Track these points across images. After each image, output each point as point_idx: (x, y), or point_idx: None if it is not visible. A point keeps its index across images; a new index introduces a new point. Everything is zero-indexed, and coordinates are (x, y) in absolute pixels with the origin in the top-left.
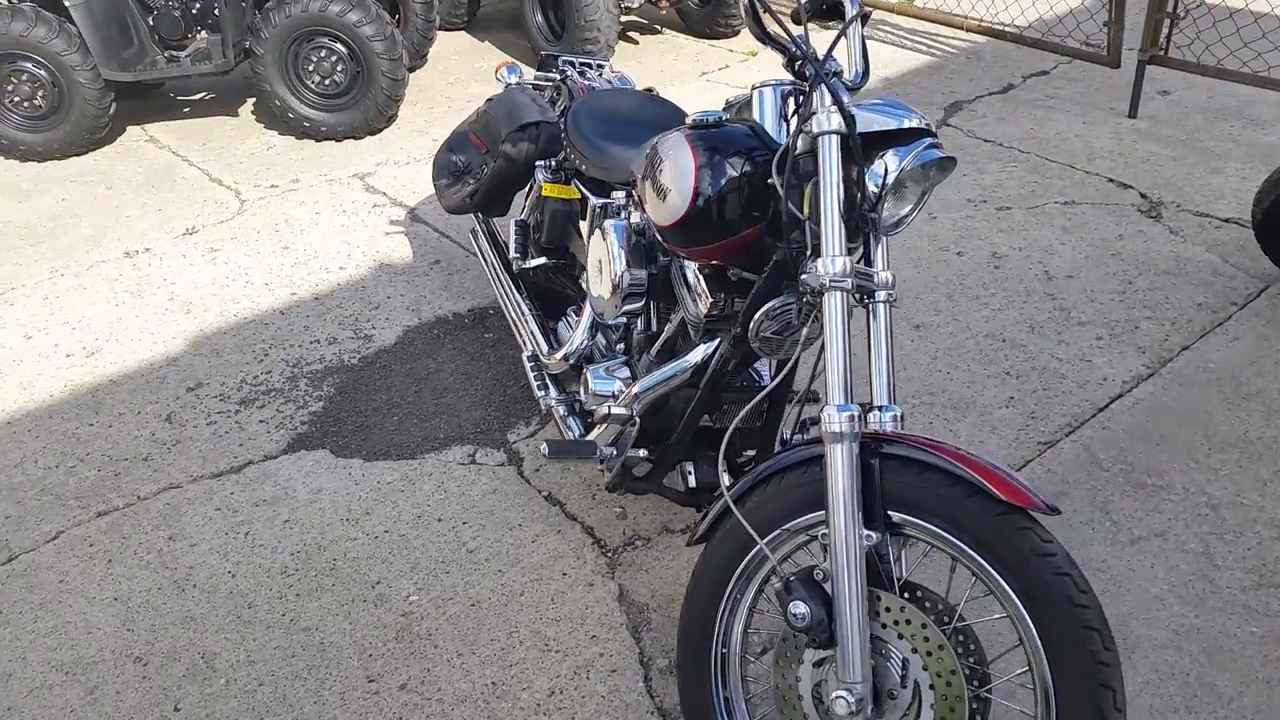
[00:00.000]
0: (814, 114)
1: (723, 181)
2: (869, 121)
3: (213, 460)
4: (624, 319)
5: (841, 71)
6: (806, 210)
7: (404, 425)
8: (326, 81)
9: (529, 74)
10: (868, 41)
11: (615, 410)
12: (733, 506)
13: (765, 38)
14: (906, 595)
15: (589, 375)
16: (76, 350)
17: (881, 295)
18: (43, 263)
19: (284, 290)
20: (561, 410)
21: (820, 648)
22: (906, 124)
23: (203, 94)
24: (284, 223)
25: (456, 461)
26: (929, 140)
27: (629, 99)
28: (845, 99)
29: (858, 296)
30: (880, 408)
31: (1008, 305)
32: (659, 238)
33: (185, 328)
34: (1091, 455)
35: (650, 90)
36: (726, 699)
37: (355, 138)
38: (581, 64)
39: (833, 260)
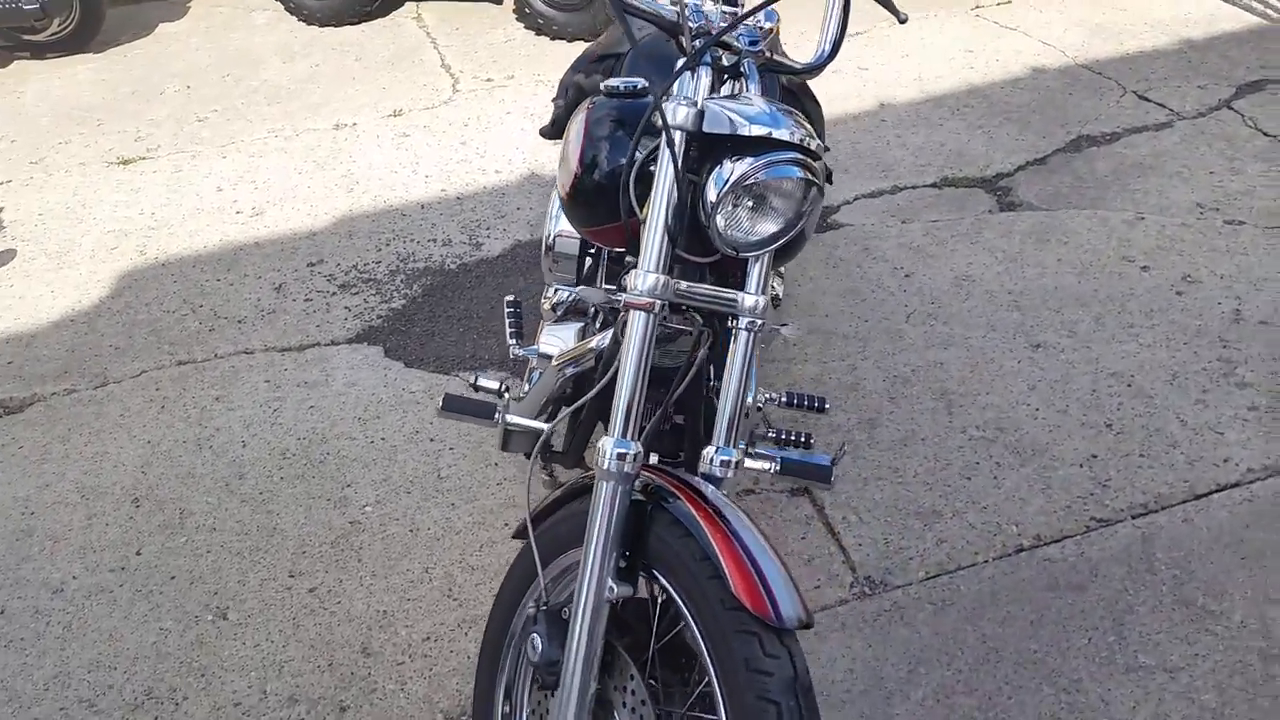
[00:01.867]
0: (667, 100)
1: (606, 160)
2: (722, 121)
3: (287, 335)
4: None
5: (760, 47)
6: (644, 213)
7: (462, 339)
8: None
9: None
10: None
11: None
12: (529, 526)
13: (626, 7)
14: (657, 660)
15: (542, 329)
16: (246, 209)
17: (743, 323)
18: (268, 122)
19: (438, 184)
20: (533, 364)
21: (544, 688)
22: (774, 134)
23: None
24: (475, 118)
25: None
26: (790, 155)
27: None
28: (740, 88)
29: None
30: (716, 449)
31: (1162, 343)
32: None
33: (339, 205)
34: (1147, 551)
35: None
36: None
37: (583, 39)
38: None
39: (641, 275)
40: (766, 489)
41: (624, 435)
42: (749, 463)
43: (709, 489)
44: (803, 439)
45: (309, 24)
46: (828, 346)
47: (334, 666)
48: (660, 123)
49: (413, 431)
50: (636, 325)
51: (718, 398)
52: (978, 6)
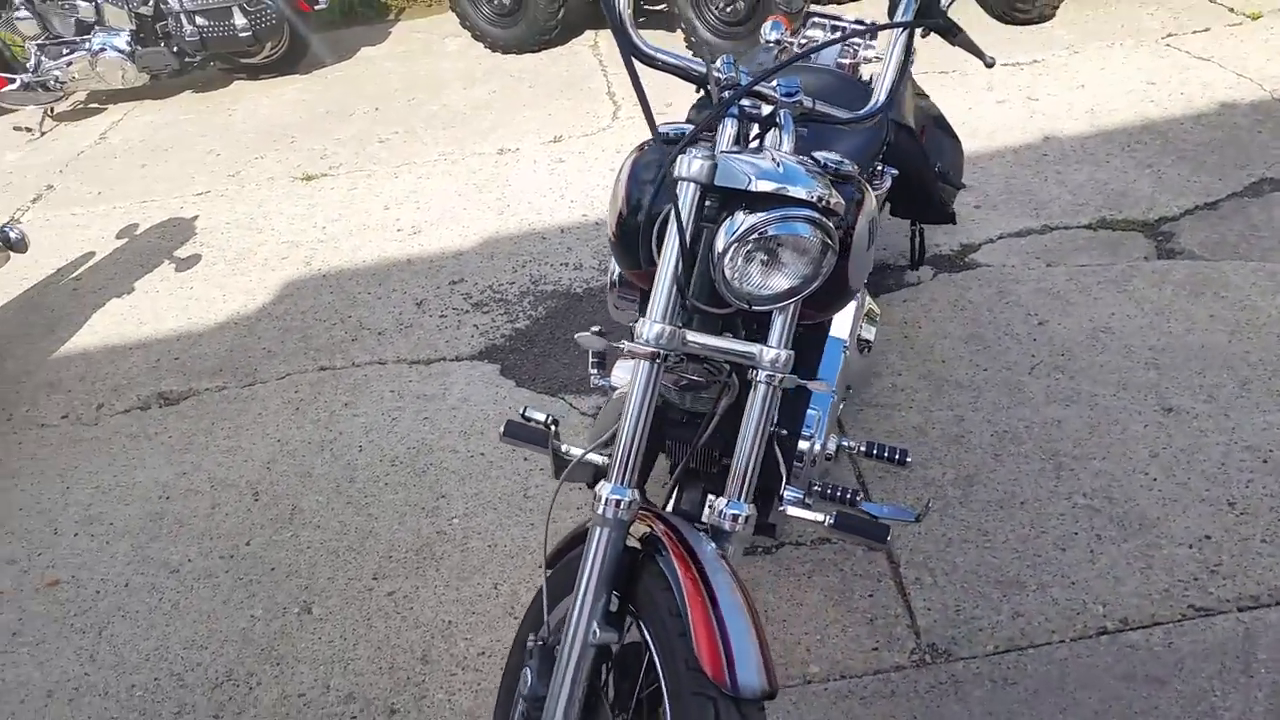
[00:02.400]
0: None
1: (643, 205)
2: (734, 176)
3: (418, 349)
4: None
5: (799, 98)
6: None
7: (575, 363)
8: (728, 9)
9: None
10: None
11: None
12: (545, 563)
13: (636, 53)
14: (643, 709)
15: (618, 361)
16: (406, 228)
17: (761, 375)
18: (440, 145)
19: (580, 210)
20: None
21: None
22: (785, 191)
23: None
24: (628, 146)
25: (582, 410)
26: (802, 212)
27: (807, 76)
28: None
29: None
30: (727, 501)
31: None
32: None
33: (489, 226)
34: (1247, 649)
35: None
36: None
37: None
38: (838, 23)
39: (647, 324)
40: (842, 540)
41: (621, 481)
42: (796, 512)
43: (703, 544)
44: (849, 495)
45: (493, 50)
46: (938, 395)
47: (393, 669)
48: (675, 174)
49: (510, 450)
50: (640, 374)
51: (779, 447)
52: (1170, 35)
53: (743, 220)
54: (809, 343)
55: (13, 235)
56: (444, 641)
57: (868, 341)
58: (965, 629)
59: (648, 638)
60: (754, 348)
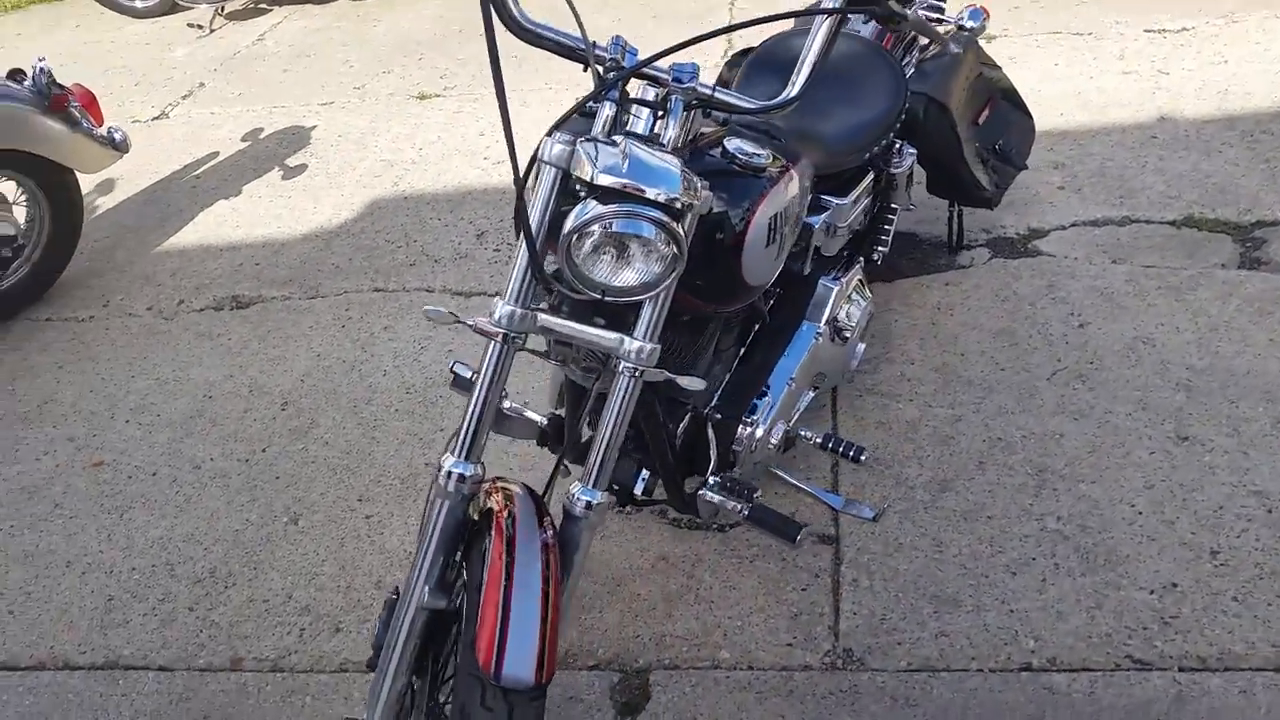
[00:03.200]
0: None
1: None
2: (581, 164)
3: (465, 280)
4: None
5: (694, 84)
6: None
7: None
8: None
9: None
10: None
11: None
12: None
13: (526, 35)
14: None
15: None
16: (493, 157)
17: (622, 367)
18: (550, 74)
19: None
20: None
21: (369, 667)
22: (626, 186)
23: None
24: None
25: None
26: (650, 211)
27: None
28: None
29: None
30: (580, 485)
31: None
32: None
33: None
34: (1174, 711)
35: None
36: None
37: None
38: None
39: (498, 305)
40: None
41: (460, 455)
42: (714, 497)
43: (532, 527)
44: (747, 492)
45: None
46: (944, 390)
47: (349, 590)
48: (538, 156)
49: (515, 391)
50: (489, 353)
51: (714, 431)
52: None
53: (589, 210)
54: (780, 324)
55: (117, 136)
56: (400, 571)
57: (847, 328)
58: (885, 639)
59: (464, 609)
60: (615, 337)
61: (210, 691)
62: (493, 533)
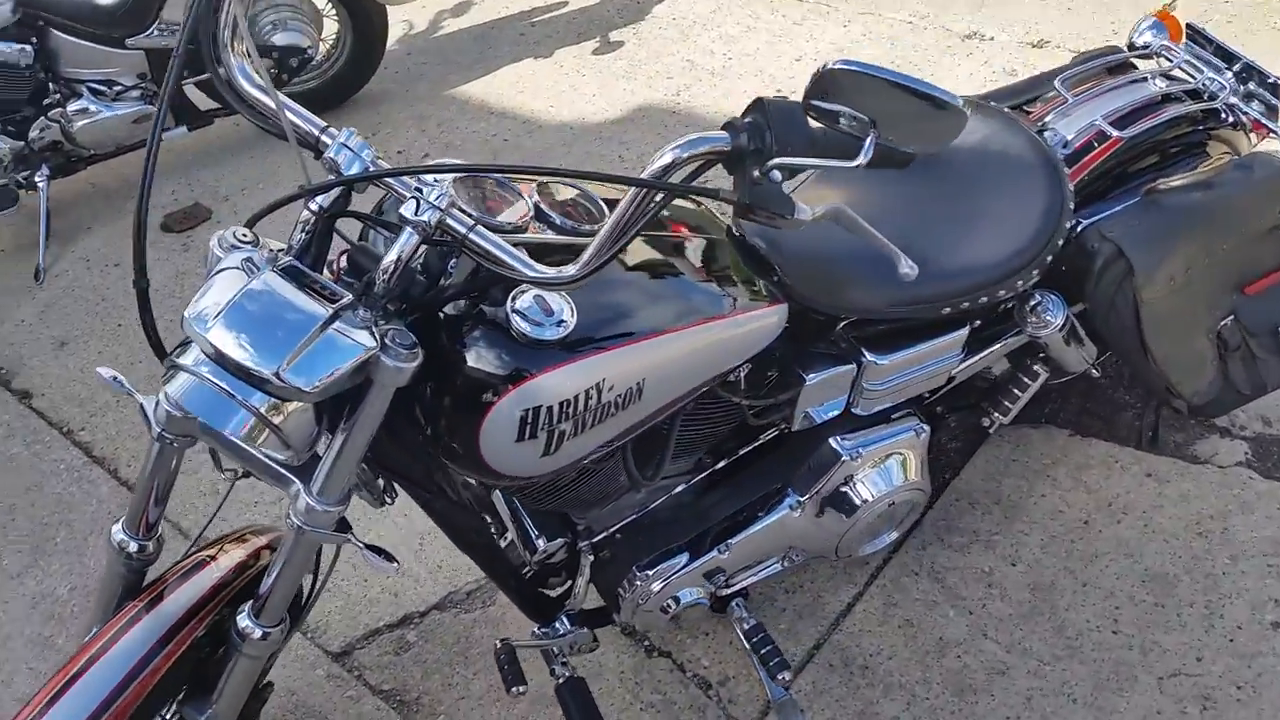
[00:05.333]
0: None
1: None
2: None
3: None
4: None
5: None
6: None
7: None
8: None
9: None
10: None
11: None
12: None
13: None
14: None
15: None
16: (774, 88)
17: (292, 520)
18: (913, 7)
19: None
20: None
21: None
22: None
23: None
24: None
25: None
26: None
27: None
28: None
29: None
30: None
31: None
32: None
33: None
34: None
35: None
36: None
37: None
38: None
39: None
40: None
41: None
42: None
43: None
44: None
45: None
46: (1020, 622)
47: None
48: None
49: None
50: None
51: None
52: None
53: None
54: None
55: None
56: None
57: (853, 506)
58: None
59: None
60: (292, 481)
61: None
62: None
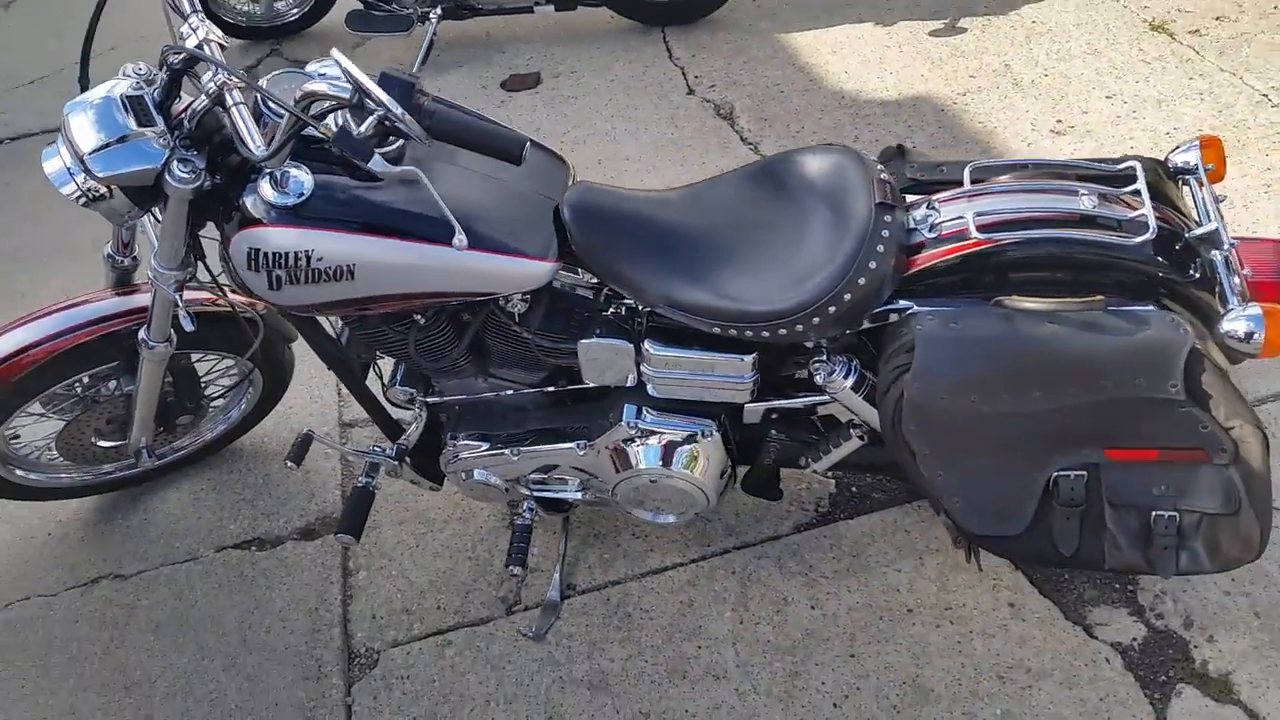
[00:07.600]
0: None
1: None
2: None
3: None
4: None
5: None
6: None
7: None
8: None
9: None
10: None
11: None
12: None
13: None
14: None
15: None
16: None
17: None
18: None
19: None
20: None
21: None
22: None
23: None
24: None
25: None
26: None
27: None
28: None
29: None
30: None
31: None
32: None
33: None
34: None
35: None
36: None
37: None
38: None
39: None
40: None
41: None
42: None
43: None
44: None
45: None
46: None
47: None
48: None
49: None
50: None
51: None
52: None
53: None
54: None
55: None
56: None
57: (628, 465)
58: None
59: None
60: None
61: None
62: None
